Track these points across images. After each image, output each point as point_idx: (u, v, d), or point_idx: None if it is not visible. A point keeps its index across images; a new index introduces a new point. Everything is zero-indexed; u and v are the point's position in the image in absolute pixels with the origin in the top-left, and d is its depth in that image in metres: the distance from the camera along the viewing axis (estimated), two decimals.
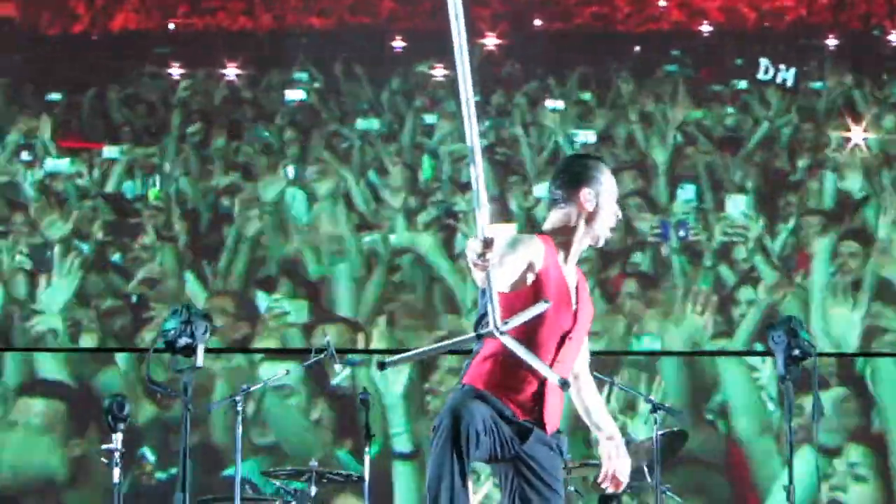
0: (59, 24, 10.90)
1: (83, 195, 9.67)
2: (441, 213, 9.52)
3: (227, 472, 7.89)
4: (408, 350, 6.04)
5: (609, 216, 4.08)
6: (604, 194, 4.04)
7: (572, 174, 4.13)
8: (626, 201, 9.21)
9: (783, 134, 9.77)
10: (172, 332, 5.46)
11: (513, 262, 3.78)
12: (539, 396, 3.94)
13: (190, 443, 6.00)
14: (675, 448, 6.59)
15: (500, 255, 3.68)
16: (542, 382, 3.92)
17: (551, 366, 3.92)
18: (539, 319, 3.87)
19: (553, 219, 4.09)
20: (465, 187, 9.76)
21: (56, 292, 9.11)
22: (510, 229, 9.42)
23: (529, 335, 3.85)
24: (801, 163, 9.46)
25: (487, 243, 3.48)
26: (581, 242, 4.05)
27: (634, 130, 9.85)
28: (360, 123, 10.05)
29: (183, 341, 5.39)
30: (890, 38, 10.48)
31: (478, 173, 3.47)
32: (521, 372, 3.92)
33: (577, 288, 4.07)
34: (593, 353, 4.80)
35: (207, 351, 5.80)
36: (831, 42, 10.35)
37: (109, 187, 9.71)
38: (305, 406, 8.54)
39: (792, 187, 9.38)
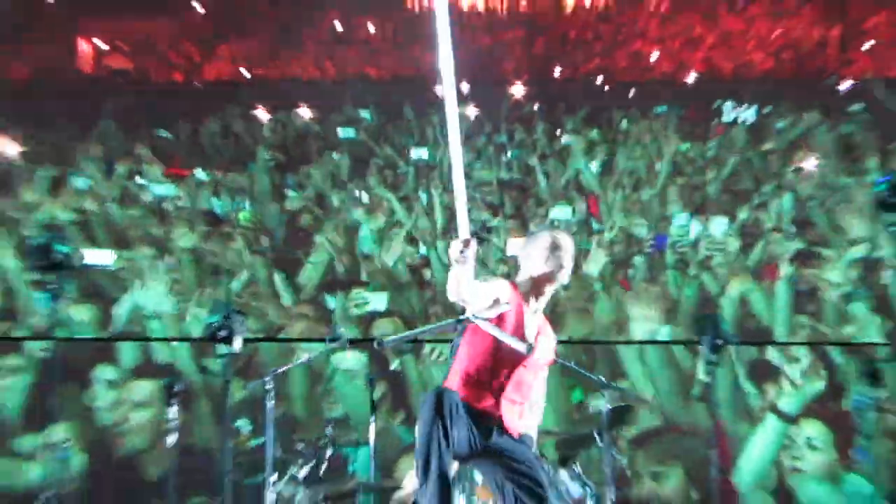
0: (163, 74, 11.34)
1: (182, 212, 9.72)
2: (477, 228, 9.54)
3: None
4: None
5: (545, 266, 4.08)
6: (526, 248, 4.13)
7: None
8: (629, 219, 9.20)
9: (753, 163, 9.85)
10: (214, 325, 5.58)
11: (488, 290, 3.86)
12: (496, 395, 3.99)
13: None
14: (624, 419, 6.36)
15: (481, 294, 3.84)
16: (500, 388, 3.98)
17: (508, 381, 4.01)
18: (501, 346, 3.93)
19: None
20: (491, 206, 9.66)
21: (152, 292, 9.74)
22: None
23: (494, 354, 3.96)
24: (768, 186, 9.41)
25: (466, 243, 3.68)
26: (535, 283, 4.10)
27: (633, 160, 9.94)
28: (413, 153, 10.17)
29: (223, 333, 5.50)
30: (839, 87, 10.53)
31: (459, 192, 3.59)
32: (476, 379, 3.98)
33: (538, 330, 4.13)
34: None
35: (246, 341, 5.82)
36: (792, 88, 10.42)
37: (202, 205, 9.75)
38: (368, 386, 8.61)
39: (758, 208, 9.30)
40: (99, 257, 8.96)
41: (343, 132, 10.35)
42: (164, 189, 9.82)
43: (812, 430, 7.35)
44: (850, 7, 10.27)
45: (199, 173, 10.16)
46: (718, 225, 8.95)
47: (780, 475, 7.10)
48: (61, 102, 10.39)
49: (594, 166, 9.87)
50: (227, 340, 5.46)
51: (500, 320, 3.99)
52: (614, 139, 10.28)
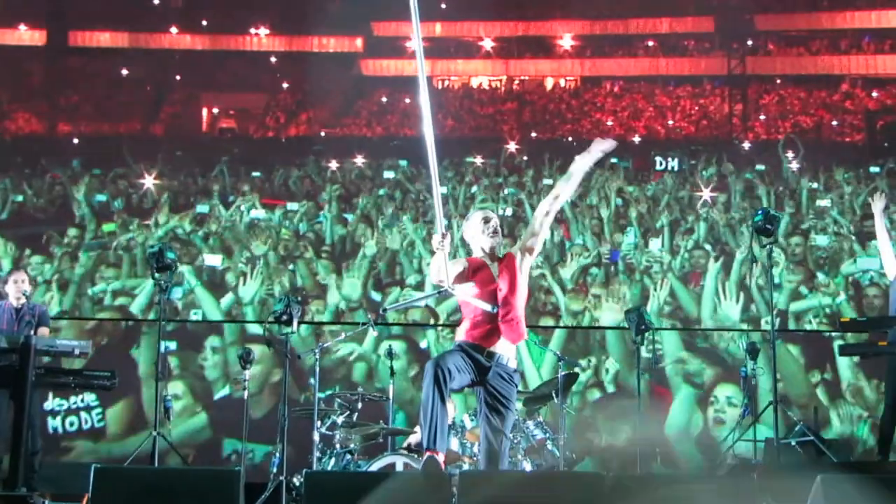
0: (259, 132, 11.59)
1: (274, 231, 9.65)
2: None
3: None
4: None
5: (477, 240, 4.18)
6: (468, 230, 4.23)
7: None
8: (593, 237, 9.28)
9: (681, 198, 10.02)
10: (278, 311, 5.97)
11: (451, 270, 3.99)
12: (492, 333, 4.05)
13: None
14: (571, 382, 6.43)
15: (448, 276, 3.96)
16: (495, 323, 4.05)
17: (494, 324, 4.06)
18: (478, 288, 4.07)
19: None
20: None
21: (251, 289, 8.94)
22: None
23: (477, 308, 4.06)
24: (691, 217, 9.59)
25: (444, 234, 3.89)
26: (480, 250, 4.16)
27: (593, 196, 10.01)
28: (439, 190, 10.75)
29: (284, 317, 5.86)
30: (744, 144, 10.76)
31: (437, 198, 3.87)
32: (479, 325, 4.08)
33: (498, 268, 4.14)
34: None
35: (300, 323, 6.09)
36: (708, 147, 10.58)
37: (288, 226, 9.79)
38: (406, 365, 8.00)
39: (686, 232, 9.38)
40: (213, 260, 9.23)
41: (387, 174, 10.50)
42: (260, 213, 9.86)
43: (730, 391, 7.79)
44: (749, 91, 10.56)
45: (290, 205, 10.10)
46: (655, 244, 9.25)
47: (706, 426, 7.63)
48: (189, 151, 10.71)
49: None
50: (288, 322, 5.88)
51: (477, 281, 4.10)
52: (581, 182, 10.73)
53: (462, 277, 4.07)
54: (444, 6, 11.75)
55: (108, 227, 9.50)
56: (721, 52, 11.43)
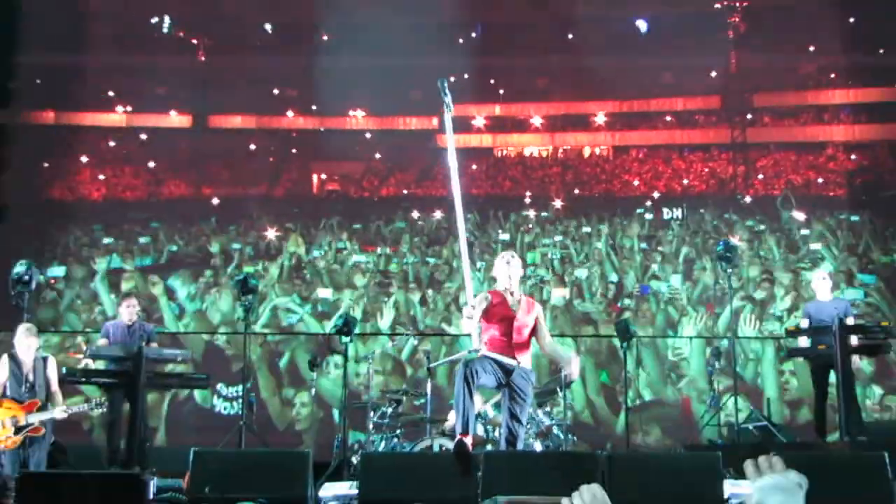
0: (358, 192, 12.82)
1: (367, 270, 10.91)
2: (536, 281, 10.43)
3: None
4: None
5: (500, 276, 4.53)
6: (495, 269, 4.61)
7: None
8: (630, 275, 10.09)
9: (695, 242, 10.72)
10: (338, 325, 6.39)
11: (479, 305, 4.32)
12: (510, 349, 4.36)
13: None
14: (567, 384, 6.40)
15: (474, 307, 4.27)
16: (510, 344, 4.37)
17: (509, 338, 4.39)
18: (498, 320, 4.40)
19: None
20: (543, 264, 10.56)
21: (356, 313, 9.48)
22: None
23: (496, 325, 4.44)
24: (705, 256, 10.09)
25: (473, 307, 4.29)
26: (502, 284, 4.44)
27: (625, 240, 10.77)
28: (500, 236, 11.19)
29: (344, 329, 6.26)
30: (746, 198, 11.67)
31: (467, 276, 4.35)
32: (496, 342, 4.38)
33: (518, 305, 4.48)
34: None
35: (358, 334, 6.69)
36: (716, 201, 11.72)
37: (381, 266, 10.94)
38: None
39: (700, 271, 9.96)
40: (326, 293, 10.48)
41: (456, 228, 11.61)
42: (361, 258, 11.08)
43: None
44: (749, 155, 11.45)
45: (380, 249, 11.23)
46: (675, 279, 10.12)
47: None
48: (301, 208, 11.90)
49: (601, 244, 10.72)
50: (347, 334, 6.25)
51: (495, 311, 4.45)
52: (614, 230, 11.06)
53: (485, 306, 4.36)
54: (501, 92, 13.09)
55: (247, 268, 10.61)
56: (725, 124, 12.36)
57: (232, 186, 12.65)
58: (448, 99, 4.51)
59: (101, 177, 12.01)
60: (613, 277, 10.30)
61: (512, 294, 4.46)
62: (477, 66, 12.59)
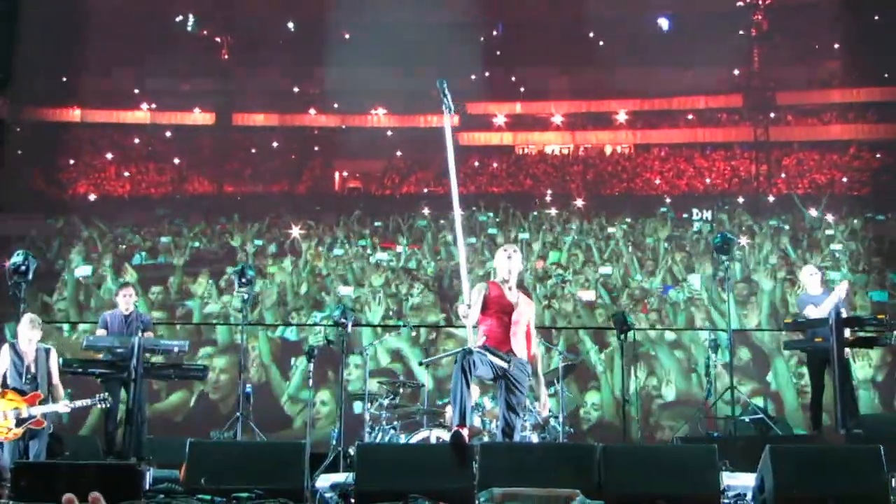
0: (378, 190, 12.52)
1: (388, 267, 10.94)
2: (557, 280, 10.42)
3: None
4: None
5: (500, 269, 4.62)
6: (496, 260, 4.71)
7: None
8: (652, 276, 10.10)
9: (715, 243, 9.60)
10: (335, 315, 6.59)
11: (477, 297, 4.39)
12: (508, 340, 4.47)
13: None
14: (569, 371, 6.83)
15: (472, 300, 4.31)
16: (507, 336, 4.42)
17: (507, 329, 4.45)
18: (496, 311, 4.47)
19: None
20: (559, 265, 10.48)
21: (375, 312, 10.09)
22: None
23: (494, 317, 4.51)
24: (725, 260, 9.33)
25: (469, 306, 4.37)
26: (501, 276, 4.58)
27: (650, 240, 10.70)
28: (520, 236, 11.09)
29: (340, 321, 6.43)
30: (769, 198, 11.38)
31: (464, 275, 4.38)
32: (494, 334, 4.46)
33: (517, 300, 4.56)
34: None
35: (354, 325, 6.69)
36: (740, 199, 11.57)
37: (402, 263, 10.94)
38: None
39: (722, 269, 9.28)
40: (347, 290, 10.52)
41: (481, 220, 11.32)
42: (383, 256, 11.11)
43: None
44: (772, 154, 11.30)
45: (399, 247, 11.16)
46: (695, 279, 10.10)
47: None
48: (323, 205, 11.81)
49: (621, 244, 10.71)
50: (343, 325, 6.47)
51: (493, 302, 4.51)
52: (635, 229, 11.01)
53: (482, 299, 4.48)
54: (522, 90, 12.86)
55: (271, 268, 10.78)
56: (748, 123, 12.05)
57: (254, 184, 12.55)
58: (448, 100, 4.62)
59: (126, 174, 11.84)
60: (637, 277, 10.28)
61: (510, 288, 4.52)
62: (498, 65, 12.61)
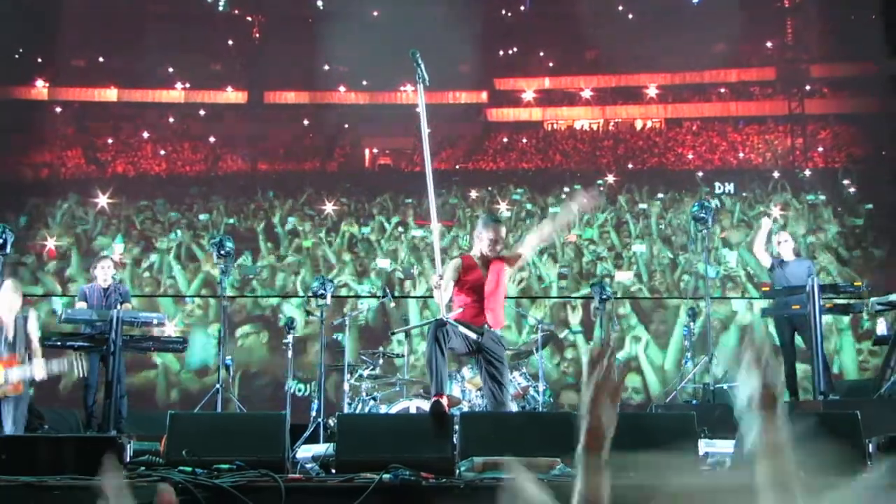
0: (407, 166, 12.21)
1: (422, 244, 10.89)
2: (593, 257, 10.35)
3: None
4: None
5: (482, 241, 4.52)
6: (476, 231, 4.63)
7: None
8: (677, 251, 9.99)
9: (741, 214, 10.46)
10: (315, 287, 6.42)
11: (449, 273, 4.33)
12: (482, 314, 4.41)
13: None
14: (549, 342, 6.92)
15: (445, 275, 4.23)
16: (482, 310, 4.38)
17: (481, 304, 4.40)
18: (470, 287, 4.42)
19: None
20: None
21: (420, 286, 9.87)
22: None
23: (468, 292, 4.47)
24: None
25: (441, 277, 4.29)
26: (478, 251, 4.52)
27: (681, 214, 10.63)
28: (550, 209, 10.69)
29: (319, 292, 6.28)
30: (805, 172, 11.04)
31: (437, 248, 4.32)
32: (469, 308, 4.42)
33: (488, 269, 4.49)
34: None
35: (333, 297, 6.52)
36: (774, 174, 11.19)
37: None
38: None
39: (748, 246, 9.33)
40: (384, 263, 10.57)
41: (512, 195, 11.26)
42: (418, 233, 10.97)
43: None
44: (807, 127, 10.92)
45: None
46: (731, 255, 10.08)
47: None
48: (356, 181, 11.70)
49: (653, 220, 10.58)
50: (323, 297, 6.27)
51: (468, 278, 4.46)
52: (667, 205, 10.84)
53: (456, 275, 4.43)
54: (551, 65, 12.53)
55: (306, 242, 10.77)
56: (782, 95, 11.61)
57: (287, 162, 12.44)
58: (421, 69, 4.42)
59: (162, 152, 11.80)
60: (668, 254, 10.19)
61: (486, 264, 4.42)
62: (526, 39, 12.35)
